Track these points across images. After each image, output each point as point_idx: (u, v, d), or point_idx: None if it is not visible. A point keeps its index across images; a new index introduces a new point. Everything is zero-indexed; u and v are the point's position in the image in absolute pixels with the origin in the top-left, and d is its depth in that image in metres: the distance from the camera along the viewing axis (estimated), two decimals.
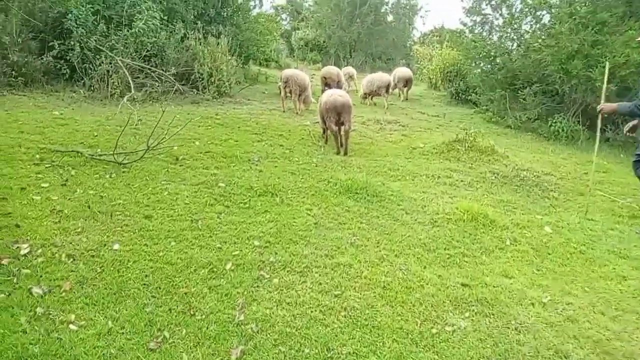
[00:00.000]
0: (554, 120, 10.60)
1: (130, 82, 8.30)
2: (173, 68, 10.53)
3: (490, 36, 12.38)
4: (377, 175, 6.56)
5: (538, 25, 10.00)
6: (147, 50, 10.29)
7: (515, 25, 11.17)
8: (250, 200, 5.10)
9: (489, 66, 12.26)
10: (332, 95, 7.57)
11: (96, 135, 6.76)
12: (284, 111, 10.60)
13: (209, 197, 5.06)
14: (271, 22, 18.05)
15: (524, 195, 6.36)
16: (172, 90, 10.29)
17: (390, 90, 15.00)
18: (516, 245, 4.65)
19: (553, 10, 9.59)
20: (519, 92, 11.24)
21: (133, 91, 8.57)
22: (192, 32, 11.46)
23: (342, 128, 7.45)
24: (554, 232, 5.04)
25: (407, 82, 15.49)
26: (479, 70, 12.52)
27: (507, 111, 11.46)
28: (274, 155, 7.00)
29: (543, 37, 9.84)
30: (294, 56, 29.53)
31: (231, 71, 11.65)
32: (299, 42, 30.06)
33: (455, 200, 5.83)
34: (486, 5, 12.43)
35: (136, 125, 7.37)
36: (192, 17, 12.50)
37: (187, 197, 4.99)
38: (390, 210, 5.30)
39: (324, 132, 8.19)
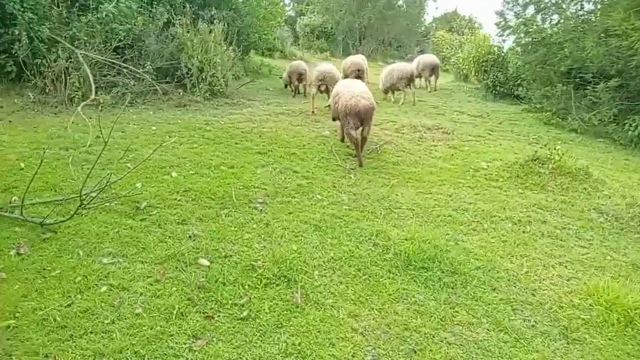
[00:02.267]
0: (634, 123, 8.33)
1: (92, 81, 6.17)
2: (152, 63, 8.32)
3: (546, 18, 10.05)
4: (441, 224, 4.38)
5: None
6: (120, 41, 8.06)
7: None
8: (250, 299, 2.94)
9: (543, 55, 9.91)
10: (354, 97, 5.88)
11: (22, 169, 4.58)
12: (313, 112, 8.43)
13: (178, 295, 2.90)
14: (275, 5, 15.70)
15: None
16: (151, 91, 8.10)
17: (415, 81, 12.87)
18: None
19: None
20: (587, 87, 8.96)
21: (94, 94, 6.43)
22: (179, 17, 9.20)
23: (362, 133, 6.04)
24: None
25: (434, 70, 13.36)
26: (533, 59, 10.16)
27: (572, 111, 9.17)
28: (285, 189, 4.83)
29: (629, 18, 7.53)
30: (298, 44, 27.16)
31: (228, 64, 9.41)
32: (304, 29, 27.65)
33: (571, 271, 3.70)
34: None
35: (89, 145, 5.22)
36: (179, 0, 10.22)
37: (139, 299, 2.84)
38: (485, 303, 3.15)
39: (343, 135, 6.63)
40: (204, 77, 8.73)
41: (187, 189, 4.49)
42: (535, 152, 6.08)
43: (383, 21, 27.44)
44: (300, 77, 11.62)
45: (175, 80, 8.80)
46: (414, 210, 4.65)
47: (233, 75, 10.03)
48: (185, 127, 6.72)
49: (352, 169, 5.73)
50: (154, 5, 9.17)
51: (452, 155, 6.73)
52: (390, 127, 7.95)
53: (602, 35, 8.19)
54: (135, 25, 8.40)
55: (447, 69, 17.21)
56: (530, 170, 5.90)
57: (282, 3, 30.58)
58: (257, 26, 13.31)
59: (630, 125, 8.36)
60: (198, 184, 4.66)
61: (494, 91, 13.28)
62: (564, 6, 9.26)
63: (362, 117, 5.87)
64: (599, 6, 8.36)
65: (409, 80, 10.67)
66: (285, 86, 11.47)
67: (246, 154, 5.79)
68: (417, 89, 14.07)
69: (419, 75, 13.65)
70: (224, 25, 9.86)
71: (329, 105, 7.24)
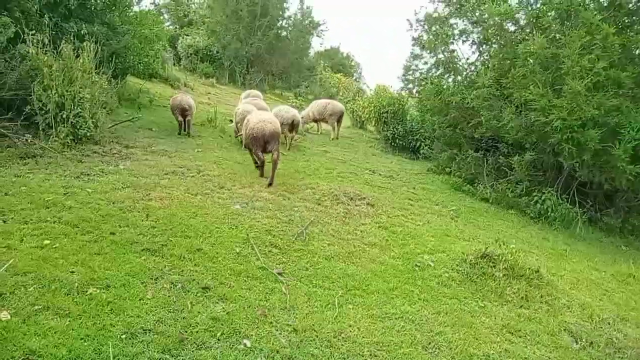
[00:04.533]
0: (541, 196, 8.31)
1: None
2: None
3: (456, 78, 9.87)
4: None
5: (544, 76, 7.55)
6: None
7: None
8: None
9: (453, 118, 9.64)
10: (260, 122, 7.07)
11: None
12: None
13: None
14: (157, 24, 13.58)
15: None
16: None
17: (302, 126, 12.18)
18: None
19: (565, 61, 7.27)
20: (499, 156, 8.81)
21: None
22: (33, 33, 6.87)
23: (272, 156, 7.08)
24: None
25: (340, 118, 12.76)
26: (443, 121, 9.83)
27: (482, 178, 8.92)
28: (194, 330, 3.20)
29: (547, 94, 7.44)
30: (181, 65, 24.80)
31: (98, 98, 7.28)
32: (187, 50, 25.35)
33: None
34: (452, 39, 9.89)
35: None
36: (35, 6, 7.77)
37: None
38: None
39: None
40: (64, 116, 6.52)
41: (24, 357, 2.61)
42: (485, 247, 5.28)
43: (272, 52, 26.51)
44: (184, 112, 9.91)
45: (22, 118, 6.45)
46: (377, 356, 3.37)
47: (106, 110, 7.88)
48: (32, 201, 4.60)
49: (280, 273, 4.28)
50: None
51: (387, 241, 5.67)
52: (309, 196, 6.67)
53: (520, 106, 8.03)
54: None
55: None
56: (482, 271, 5.06)
57: (165, 23, 28.14)
58: (137, 48, 11.14)
59: (539, 199, 8.31)
60: (48, 338, 2.79)
61: (393, 143, 12.94)
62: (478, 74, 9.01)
63: (268, 140, 6.96)
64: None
65: (292, 125, 9.94)
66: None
67: (128, 255, 3.97)
68: (316, 133, 13.23)
69: (324, 120, 12.86)
70: (96, 45, 7.74)
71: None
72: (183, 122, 9.91)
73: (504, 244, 5.32)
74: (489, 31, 9.40)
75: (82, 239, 4.09)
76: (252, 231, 5.04)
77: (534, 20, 8.40)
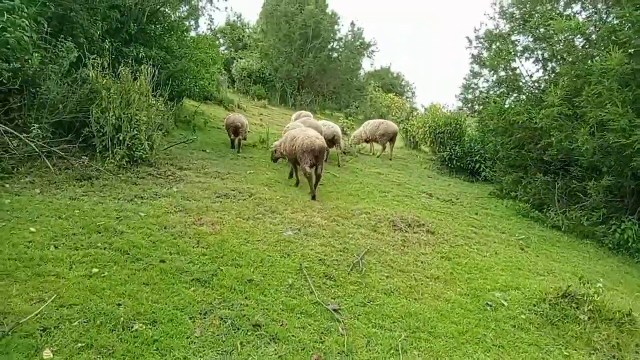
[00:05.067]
0: (620, 225, 7.47)
1: None
2: (51, 115, 6.07)
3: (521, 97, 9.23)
4: None
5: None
6: (3, 84, 5.76)
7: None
8: None
9: (519, 139, 8.99)
10: (309, 137, 7.32)
11: None
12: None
13: None
14: (213, 47, 13.87)
15: None
16: (43, 155, 5.80)
17: (353, 146, 12.64)
18: None
19: None
20: (571, 180, 8.05)
21: None
22: (94, 57, 7.04)
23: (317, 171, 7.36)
24: None
25: (393, 138, 12.43)
26: (508, 141, 9.17)
27: (553, 204, 8.17)
28: None
29: (626, 113, 6.71)
30: (234, 87, 25.36)
31: (155, 122, 7.32)
32: (241, 73, 25.92)
33: None
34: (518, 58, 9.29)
35: None
36: (98, 32, 8.03)
37: None
38: None
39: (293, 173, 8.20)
40: (121, 138, 6.57)
41: None
42: (567, 286, 4.67)
43: (323, 73, 26.61)
44: (237, 130, 10.12)
45: (81, 140, 6.55)
46: None
47: (162, 133, 7.93)
48: (84, 225, 4.52)
49: (336, 310, 3.91)
50: (60, 38, 6.93)
51: (452, 274, 5.16)
52: (364, 222, 6.29)
53: (595, 127, 7.31)
54: (28, 63, 6.12)
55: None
56: (564, 313, 4.46)
57: (221, 47, 29.07)
58: (193, 71, 11.34)
59: (618, 227, 7.49)
60: None
61: (449, 164, 12.34)
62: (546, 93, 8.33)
63: (317, 155, 7.20)
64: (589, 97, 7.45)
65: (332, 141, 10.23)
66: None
67: (177, 287, 3.75)
68: (368, 154, 12.87)
69: (375, 140, 12.53)
70: (153, 68, 7.85)
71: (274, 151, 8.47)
72: (235, 140, 10.16)
73: (587, 282, 4.67)
74: (558, 47, 8.75)
75: (132, 267, 3.92)
76: (305, 260, 4.72)
77: (609, 35, 7.71)
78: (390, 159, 12.35)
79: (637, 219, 7.54)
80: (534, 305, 4.59)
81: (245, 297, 3.81)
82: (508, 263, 5.84)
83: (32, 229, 4.21)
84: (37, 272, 3.54)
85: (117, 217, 4.87)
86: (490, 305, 4.52)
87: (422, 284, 4.78)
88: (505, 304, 4.61)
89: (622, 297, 5.34)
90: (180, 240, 4.59)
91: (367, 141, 12.88)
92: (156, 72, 7.95)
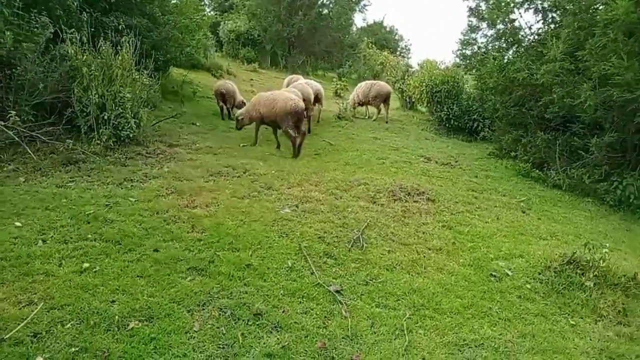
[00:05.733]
0: (622, 182, 7.35)
1: None
2: (30, 97, 5.77)
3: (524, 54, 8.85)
4: None
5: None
6: None
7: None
8: None
9: (519, 97, 8.71)
10: (293, 99, 7.63)
11: None
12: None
13: None
14: (198, 12, 13.24)
15: None
16: (25, 140, 5.56)
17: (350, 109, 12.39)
18: None
19: None
20: (572, 137, 7.87)
21: None
22: (72, 31, 6.64)
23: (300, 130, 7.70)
24: None
25: (387, 99, 12.12)
26: (508, 100, 8.90)
27: (554, 163, 8.02)
28: None
29: (632, 66, 6.43)
30: (222, 51, 24.58)
31: (141, 97, 7.02)
32: (228, 35, 25.04)
33: None
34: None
35: None
36: (75, 3, 7.56)
37: None
38: None
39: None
40: (105, 117, 6.29)
41: None
42: (574, 253, 4.58)
43: (314, 31, 25.75)
44: (224, 97, 9.90)
45: (64, 121, 6.27)
46: None
47: (149, 108, 7.62)
48: (73, 216, 4.35)
49: (338, 291, 3.81)
50: (34, 13, 6.51)
51: (454, 244, 5.06)
52: (363, 193, 6.13)
53: (598, 81, 7.05)
54: (1, 42, 5.76)
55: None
56: (570, 280, 4.39)
57: (203, 4, 27.91)
58: (179, 39, 10.84)
59: (620, 184, 7.37)
60: None
61: (447, 125, 12.09)
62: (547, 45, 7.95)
63: (300, 117, 7.60)
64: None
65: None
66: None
67: (172, 277, 3.62)
68: (363, 117, 12.59)
69: (369, 103, 12.19)
70: (136, 38, 7.46)
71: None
72: (225, 108, 9.95)
73: (593, 247, 4.58)
74: None
75: (124, 259, 3.78)
76: (304, 240, 4.59)
77: None
78: (387, 122, 12.08)
79: (639, 175, 7.42)
80: (539, 274, 4.52)
81: (245, 284, 3.69)
82: (510, 228, 5.74)
83: (18, 224, 4.04)
84: (25, 271, 3.40)
85: (106, 205, 4.69)
86: (495, 276, 4.44)
87: (424, 256, 4.68)
88: (510, 273, 4.53)
89: (625, 259, 5.28)
90: (173, 226, 4.44)
91: (361, 104, 12.53)
92: (138, 44, 7.55)
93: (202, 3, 25.66)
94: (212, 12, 29.17)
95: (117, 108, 6.36)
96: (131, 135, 6.54)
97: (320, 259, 4.31)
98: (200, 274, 3.73)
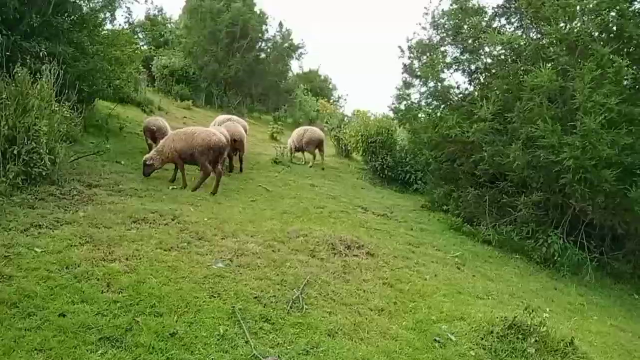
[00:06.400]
0: (546, 239, 7.72)
1: None
2: None
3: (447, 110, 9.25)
4: None
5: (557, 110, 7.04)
6: None
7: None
8: None
9: (452, 152, 9.03)
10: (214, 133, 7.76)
11: None
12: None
13: None
14: (131, 44, 12.67)
15: None
16: None
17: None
18: None
19: (577, 95, 6.73)
20: (501, 194, 8.21)
21: None
22: None
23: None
24: None
25: (320, 145, 12.11)
26: (440, 155, 9.18)
27: (485, 218, 8.27)
28: None
29: (556, 130, 6.88)
30: (154, 86, 23.74)
31: (58, 129, 6.33)
32: (162, 71, 24.32)
33: None
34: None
35: None
36: None
37: None
38: None
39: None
40: (15, 152, 5.54)
41: None
42: (514, 316, 4.53)
43: (251, 74, 25.78)
44: (154, 135, 9.29)
45: None
46: None
47: (67, 142, 6.89)
48: None
49: None
50: None
51: (395, 303, 4.86)
52: (302, 245, 5.82)
53: (525, 142, 7.45)
54: None
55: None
56: (512, 346, 4.30)
57: (136, 37, 27.08)
58: (107, 70, 10.18)
59: (545, 241, 7.72)
60: None
61: (381, 175, 12.28)
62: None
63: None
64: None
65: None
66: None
67: (79, 351, 3.02)
68: (300, 163, 12.47)
69: (301, 149, 12.16)
70: (59, 67, 6.83)
71: None
72: (151, 146, 9.23)
73: (532, 311, 4.57)
74: (487, 61, 8.91)
75: (21, 326, 3.13)
76: (239, 300, 4.15)
77: (536, 51, 7.90)
78: (323, 169, 12.04)
79: (561, 233, 7.82)
80: (482, 339, 4.39)
81: (167, 358, 3.17)
82: (449, 286, 5.67)
83: None
84: None
85: (5, 256, 3.98)
86: (439, 342, 4.25)
87: (367, 318, 4.41)
88: (453, 338, 4.37)
89: (559, 321, 5.36)
90: (85, 284, 3.82)
91: (297, 150, 12.46)
92: (61, 73, 6.91)
93: (135, 37, 24.96)
94: (145, 46, 28.38)
95: (29, 142, 5.64)
96: (44, 174, 5.80)
97: (256, 323, 3.88)
98: (114, 346, 3.16)
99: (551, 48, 7.46)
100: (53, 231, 4.72)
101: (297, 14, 58.42)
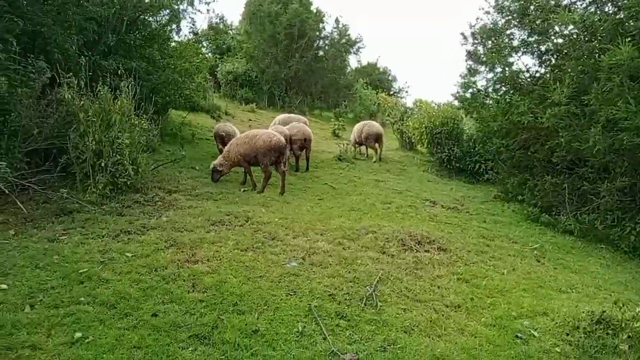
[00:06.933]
0: (634, 227, 7.13)
1: None
2: (24, 143, 5.54)
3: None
4: None
5: None
6: None
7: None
8: None
9: (525, 140, 8.61)
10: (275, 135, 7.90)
11: None
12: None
13: None
14: (198, 54, 13.28)
15: None
16: (17, 189, 5.28)
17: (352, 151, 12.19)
18: None
19: None
20: (581, 181, 7.70)
21: None
22: (69, 75, 6.48)
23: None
24: None
25: (378, 139, 12.12)
26: (512, 143, 8.79)
27: (564, 208, 7.81)
28: None
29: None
30: (220, 92, 24.72)
31: (138, 141, 6.81)
32: (226, 77, 25.27)
33: None
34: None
35: None
36: (73, 47, 7.47)
37: None
38: None
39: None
40: (102, 164, 6.05)
41: None
42: (603, 312, 4.27)
43: (310, 73, 26.09)
44: (223, 140, 9.69)
45: (59, 168, 6.01)
46: None
47: (147, 153, 7.39)
48: (65, 275, 4.02)
49: None
50: (31, 57, 6.37)
51: (472, 299, 4.74)
52: (372, 243, 5.84)
53: (606, 125, 6.93)
54: None
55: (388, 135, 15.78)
56: (602, 342, 4.05)
57: (201, 46, 28.29)
58: (177, 82, 10.76)
59: (633, 229, 7.15)
60: None
61: (448, 166, 11.96)
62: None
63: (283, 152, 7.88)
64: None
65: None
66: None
67: (172, 348, 3.25)
68: (364, 159, 12.45)
69: (362, 143, 12.15)
70: (135, 82, 7.33)
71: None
72: (222, 150, 9.70)
73: (623, 305, 4.28)
74: (559, 41, 8.39)
75: (120, 326, 3.43)
76: (314, 298, 4.26)
77: (614, 28, 7.31)
78: (380, 160, 12.00)
79: None
80: (567, 335, 4.18)
81: (252, 354, 3.34)
82: (528, 280, 5.43)
83: (4, 286, 3.71)
84: (9, 343, 3.04)
85: (101, 261, 4.37)
86: (521, 338, 4.11)
87: (443, 315, 4.35)
88: (536, 334, 4.20)
89: None
90: (173, 285, 4.11)
91: (359, 144, 12.48)
92: (137, 88, 7.42)
93: (201, 46, 26.08)
94: (210, 54, 29.58)
95: (114, 155, 6.13)
96: (129, 183, 6.27)
97: (332, 320, 3.97)
98: (202, 343, 3.38)
99: (631, 22, 6.87)
100: (141, 236, 5.10)
101: (344, 8, 58.16)
